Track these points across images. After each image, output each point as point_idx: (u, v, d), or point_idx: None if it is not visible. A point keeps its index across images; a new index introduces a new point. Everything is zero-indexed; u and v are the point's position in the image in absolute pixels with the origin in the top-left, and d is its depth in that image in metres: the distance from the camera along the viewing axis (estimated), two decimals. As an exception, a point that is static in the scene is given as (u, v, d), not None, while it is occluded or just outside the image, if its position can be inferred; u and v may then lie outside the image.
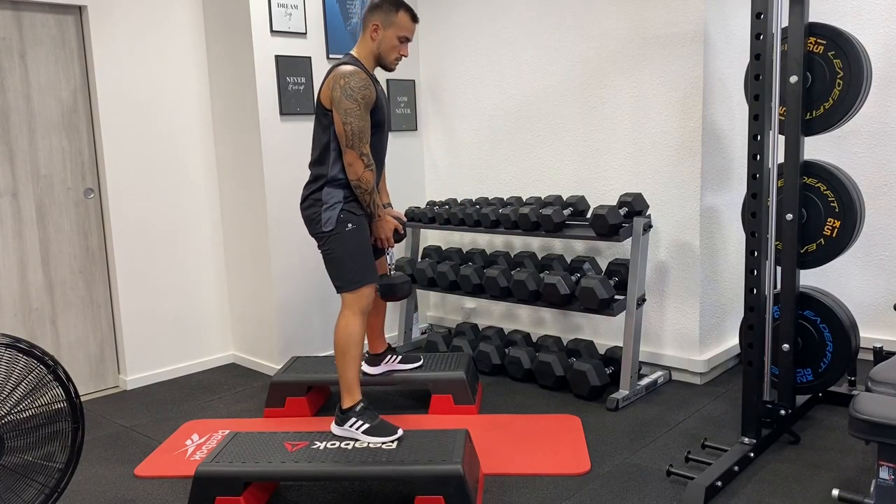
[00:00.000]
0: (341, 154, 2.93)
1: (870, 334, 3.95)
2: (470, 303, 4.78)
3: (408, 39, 3.04)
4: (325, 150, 2.97)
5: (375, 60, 3.03)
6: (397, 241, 3.19)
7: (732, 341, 4.00)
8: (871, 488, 2.22)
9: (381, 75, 4.57)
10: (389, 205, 3.35)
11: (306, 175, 3.08)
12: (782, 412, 3.00)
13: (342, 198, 2.96)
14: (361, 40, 3.02)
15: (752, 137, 2.86)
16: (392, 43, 2.99)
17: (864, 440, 2.18)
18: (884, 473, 2.15)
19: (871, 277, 4.03)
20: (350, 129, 2.85)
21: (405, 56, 3.07)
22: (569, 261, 4.00)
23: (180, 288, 4.34)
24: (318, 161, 2.99)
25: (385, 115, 3.05)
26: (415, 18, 3.04)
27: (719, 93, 3.72)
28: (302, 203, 3.04)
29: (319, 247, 3.03)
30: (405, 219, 3.29)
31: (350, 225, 2.96)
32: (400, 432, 2.80)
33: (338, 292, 3.01)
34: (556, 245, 4.31)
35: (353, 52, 3.02)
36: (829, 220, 3.05)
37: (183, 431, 3.49)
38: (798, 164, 3.02)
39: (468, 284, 4.10)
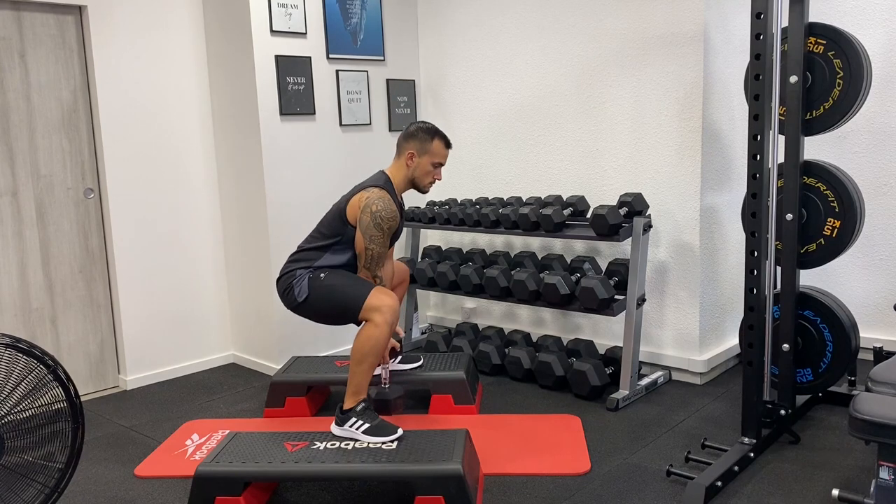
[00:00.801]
0: (336, 254, 3.06)
1: (870, 334, 3.95)
2: (470, 303, 4.79)
3: (441, 164, 3.17)
4: (327, 248, 3.08)
5: (409, 184, 3.17)
6: (392, 357, 3.33)
7: (732, 341, 4.00)
8: (871, 488, 2.22)
9: (380, 75, 4.59)
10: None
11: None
12: (782, 412, 3.00)
13: (312, 269, 3.06)
14: (396, 164, 3.15)
15: (752, 137, 2.86)
16: (426, 169, 3.13)
17: (864, 440, 2.18)
18: (884, 473, 2.15)
19: (871, 277, 4.03)
20: (371, 255, 3.00)
21: (439, 179, 3.21)
22: (569, 261, 4.00)
23: (180, 288, 4.34)
24: (316, 249, 3.09)
25: (398, 235, 3.22)
26: (448, 145, 3.17)
27: (719, 93, 3.72)
28: (278, 280, 3.14)
29: (308, 317, 3.09)
30: (402, 334, 3.38)
31: (322, 274, 3.03)
32: (400, 432, 2.80)
33: (358, 321, 2.98)
34: (556, 245, 4.31)
35: (388, 173, 3.14)
36: (829, 220, 3.05)
37: (183, 431, 3.49)
38: (798, 164, 3.02)
39: (468, 284, 4.10)
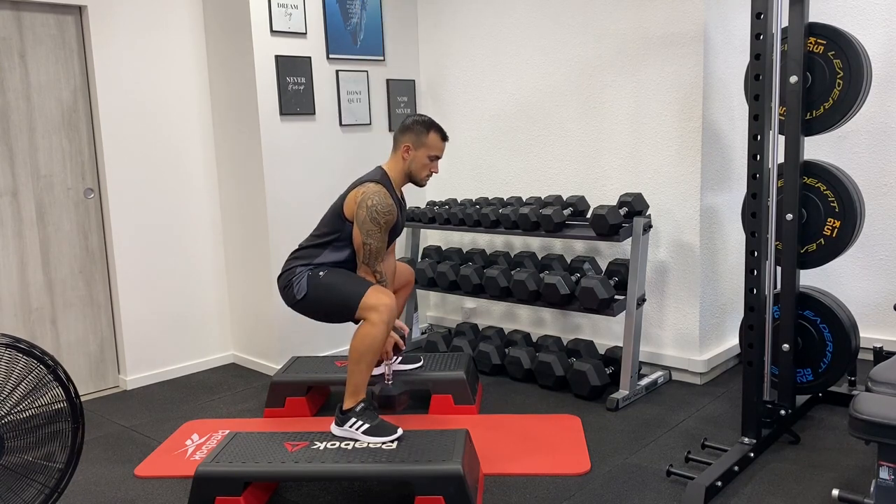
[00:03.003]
0: (335, 251, 3.07)
1: (870, 334, 3.95)
2: (470, 303, 4.79)
3: (438, 157, 3.15)
4: (326, 245, 3.08)
5: (406, 178, 3.16)
6: (395, 353, 3.29)
7: (732, 341, 4.00)
8: (871, 488, 2.22)
9: (380, 75, 4.59)
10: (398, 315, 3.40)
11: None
12: (782, 412, 3.00)
13: (312, 267, 3.06)
14: (393, 158, 3.15)
15: (752, 137, 2.86)
16: (423, 162, 3.12)
17: (864, 440, 2.18)
18: (884, 473, 2.15)
19: (871, 277, 4.03)
20: (369, 250, 3.00)
21: (435, 172, 3.19)
22: (569, 261, 4.00)
23: (180, 288, 4.34)
24: (316, 246, 3.10)
25: (398, 231, 3.20)
26: (445, 137, 3.15)
27: (719, 93, 3.72)
28: (279, 278, 3.14)
29: (307, 314, 3.09)
30: (406, 330, 3.34)
31: (321, 273, 3.03)
32: (400, 432, 2.80)
33: (356, 320, 2.97)
34: (556, 245, 4.31)
35: (385, 168, 3.13)
36: (829, 220, 3.05)
37: (183, 431, 3.49)
38: (798, 164, 3.02)
39: (468, 284, 4.10)
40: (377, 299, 2.90)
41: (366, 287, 2.94)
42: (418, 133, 3.09)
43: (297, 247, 3.19)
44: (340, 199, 3.10)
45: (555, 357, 3.78)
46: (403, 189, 3.27)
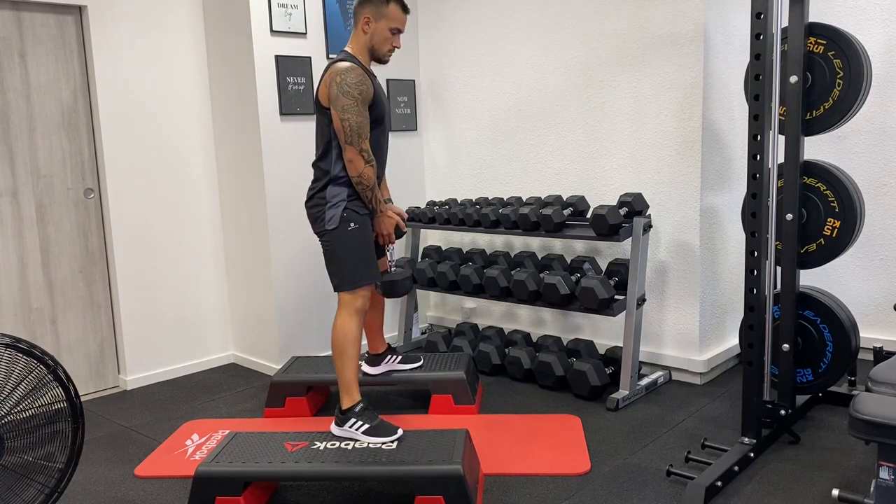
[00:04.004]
0: (340, 157, 2.93)
1: (870, 334, 3.95)
2: (470, 303, 4.79)
3: (399, 31, 3.03)
4: (328, 148, 2.96)
5: (369, 54, 3.02)
6: (398, 237, 3.17)
7: (732, 341, 4.00)
8: (871, 488, 2.22)
9: (381, 74, 4.59)
10: (390, 200, 3.34)
11: (306, 174, 3.09)
12: (782, 412, 3.00)
13: (346, 196, 2.95)
14: (354, 35, 3.02)
15: (752, 137, 2.86)
16: (384, 35, 2.99)
17: (864, 440, 2.18)
18: (884, 473, 2.15)
19: (871, 277, 4.03)
20: (348, 126, 2.85)
21: (398, 47, 3.06)
22: (569, 261, 4.00)
23: (180, 288, 4.34)
24: (320, 159, 3.00)
25: (385, 110, 3.04)
26: (405, 9, 3.03)
27: (719, 93, 3.72)
28: (307, 202, 3.04)
29: (322, 243, 3.04)
30: (406, 215, 3.30)
31: (353, 224, 2.95)
32: (400, 432, 2.80)
33: (335, 290, 3.00)
34: (556, 245, 4.31)
35: (348, 48, 3.02)
36: (829, 220, 3.05)
37: (183, 431, 3.49)
38: (798, 164, 3.02)
39: (468, 284, 4.10)
40: (356, 301, 2.96)
41: (362, 282, 2.96)
42: (377, 4, 2.96)
43: (312, 163, 3.07)
44: (315, 93, 2.99)
45: (555, 357, 3.78)
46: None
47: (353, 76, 2.86)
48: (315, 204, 3.00)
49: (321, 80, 2.95)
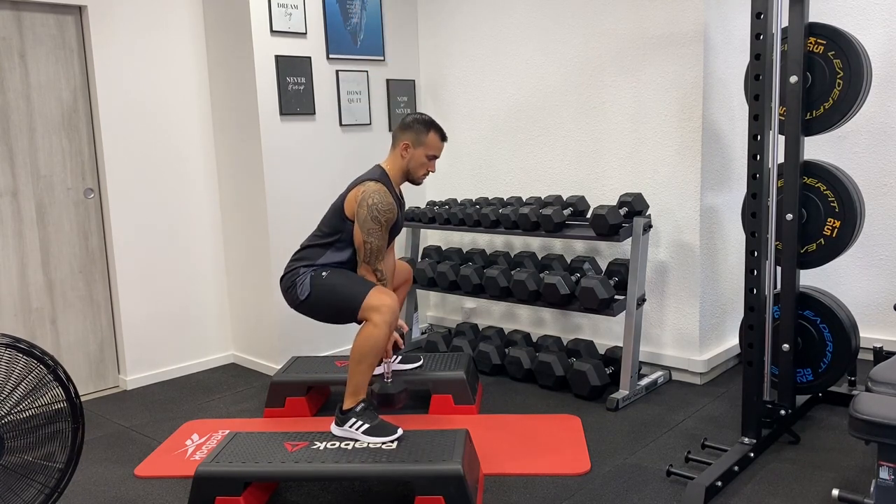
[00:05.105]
0: (338, 251, 3.07)
1: (870, 334, 3.95)
2: (470, 303, 4.79)
3: (436, 157, 3.17)
4: (328, 245, 3.09)
5: (404, 176, 3.17)
6: (395, 352, 3.28)
7: (732, 341, 4.00)
8: (871, 488, 2.22)
9: (380, 75, 4.59)
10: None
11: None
12: (782, 412, 3.00)
13: (315, 268, 3.07)
14: (392, 156, 3.16)
15: (752, 137, 2.86)
16: (421, 161, 3.13)
17: (864, 440, 2.18)
18: (884, 473, 2.15)
19: (871, 277, 4.03)
20: (370, 248, 3.00)
21: (432, 172, 3.20)
22: (569, 261, 4.00)
23: (180, 288, 4.34)
24: (318, 246, 3.10)
25: (398, 229, 3.21)
26: (444, 138, 3.17)
27: (719, 93, 3.72)
28: (281, 280, 3.15)
29: (310, 315, 3.10)
30: (406, 328, 3.36)
31: (324, 273, 3.04)
32: (400, 432, 2.80)
33: (359, 320, 2.98)
34: (556, 245, 4.31)
35: (384, 166, 3.14)
36: (829, 220, 3.05)
37: (183, 431, 3.49)
38: (798, 164, 3.02)
39: (468, 284, 4.10)
40: (379, 300, 2.90)
41: (368, 288, 2.94)
42: (418, 132, 3.10)
43: (299, 247, 3.19)
44: (341, 198, 3.11)
45: (555, 357, 3.78)
46: (402, 188, 3.27)
47: (385, 204, 2.99)
48: (287, 281, 3.11)
49: (350, 188, 3.08)
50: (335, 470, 2.59)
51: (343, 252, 3.09)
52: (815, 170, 3.06)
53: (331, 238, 3.08)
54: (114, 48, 4.00)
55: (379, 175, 3.09)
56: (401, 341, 3.27)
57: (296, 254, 3.16)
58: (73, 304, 4.04)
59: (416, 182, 3.21)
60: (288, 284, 3.10)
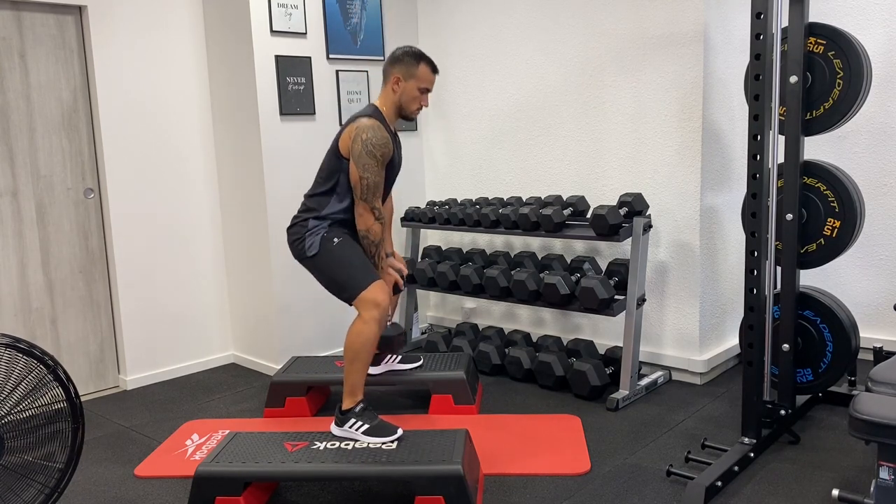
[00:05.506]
0: (341, 199, 3.02)
1: (870, 334, 3.95)
2: (470, 303, 4.79)
3: (428, 90, 3.11)
4: (331, 190, 3.04)
5: (397, 112, 3.11)
6: (395, 293, 3.22)
7: (732, 341, 4.00)
8: (871, 488, 2.22)
9: (381, 74, 4.58)
10: (392, 254, 3.37)
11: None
12: (782, 412, 3.00)
13: (327, 226, 3.02)
14: (383, 92, 3.10)
15: (752, 137, 2.86)
16: (413, 94, 3.07)
17: (864, 440, 2.18)
18: (884, 473, 2.15)
19: (871, 277, 4.03)
20: (366, 184, 2.93)
21: (425, 106, 3.15)
22: (569, 261, 4.00)
23: (180, 288, 4.34)
24: (318, 195, 3.06)
25: (396, 168, 3.14)
26: (435, 70, 3.11)
27: (719, 93, 3.72)
28: (288, 229, 3.11)
29: (311, 272, 3.07)
30: (406, 271, 3.31)
31: (335, 240, 3.00)
32: (399, 432, 2.80)
33: (350, 304, 2.99)
34: (556, 245, 4.31)
35: (377, 103, 3.10)
36: (829, 220, 3.05)
37: (183, 431, 3.49)
38: (798, 164, 3.02)
39: (468, 284, 4.10)
40: (376, 297, 2.90)
41: (370, 279, 2.94)
42: (408, 65, 3.04)
43: (303, 197, 3.13)
44: (336, 138, 3.05)
45: (555, 357, 3.78)
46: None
47: (379, 137, 2.93)
48: (295, 232, 3.06)
49: (344, 127, 3.02)
50: (335, 470, 2.59)
51: (344, 201, 3.03)
52: (815, 170, 3.06)
53: (330, 182, 3.02)
54: (114, 48, 4.00)
55: (372, 111, 3.03)
56: (401, 281, 3.18)
57: (301, 205, 3.11)
58: (73, 304, 4.04)
59: (410, 117, 3.13)
60: (296, 236, 3.05)
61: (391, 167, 3.08)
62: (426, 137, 4.91)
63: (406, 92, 3.05)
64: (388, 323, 3.29)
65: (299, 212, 3.10)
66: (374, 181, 2.94)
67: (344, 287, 2.97)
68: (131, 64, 4.07)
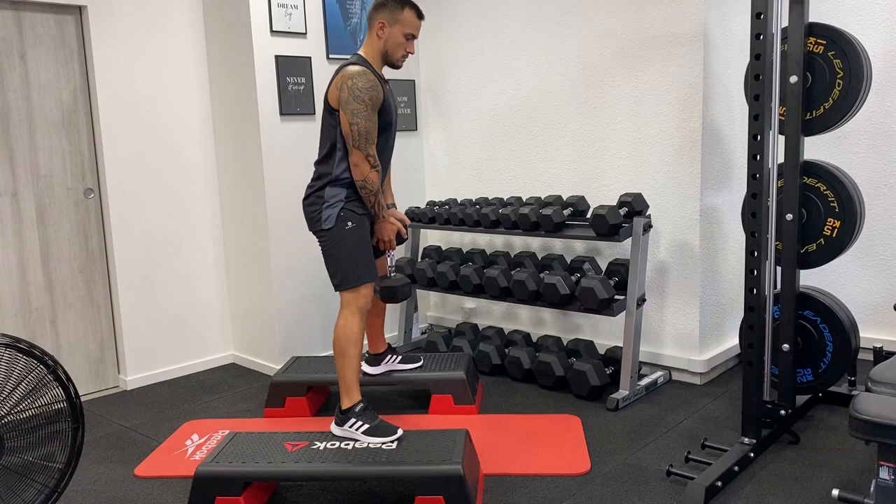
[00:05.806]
0: (347, 154, 2.94)
1: (870, 334, 3.95)
2: (470, 303, 4.79)
3: (413, 36, 3.04)
4: (332, 149, 2.97)
5: (383, 59, 3.03)
6: (399, 243, 3.18)
7: (732, 341, 3.99)
8: (871, 488, 2.22)
9: (381, 75, 4.58)
10: (393, 205, 3.35)
11: (306, 174, 3.09)
12: (782, 412, 3.00)
13: (344, 197, 2.96)
14: (368, 39, 3.03)
15: (752, 137, 2.86)
16: (398, 40, 3.00)
17: (864, 440, 2.18)
18: (884, 473, 2.15)
19: (871, 277, 4.03)
20: (357, 130, 2.86)
21: (411, 53, 3.07)
22: (569, 261, 4.00)
23: (180, 288, 4.34)
24: (323, 159, 3.00)
25: (393, 116, 3.06)
26: (420, 15, 3.05)
27: (719, 93, 3.72)
28: (304, 200, 3.05)
29: (319, 243, 3.04)
30: (408, 221, 3.29)
31: (350, 223, 2.96)
32: (400, 432, 2.80)
33: (336, 290, 3.00)
34: (556, 245, 4.31)
35: (361, 52, 3.03)
36: (829, 220, 3.05)
37: (183, 431, 3.49)
38: (798, 164, 3.02)
39: (468, 284, 4.10)
40: (358, 298, 2.94)
41: (364, 279, 2.95)
42: (392, 10, 2.97)
43: (314, 162, 3.08)
44: (325, 95, 3.00)
45: (555, 357, 3.78)
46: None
47: (365, 81, 2.87)
48: (312, 203, 3.00)
49: (332, 81, 2.95)
50: (335, 470, 2.60)
51: (347, 160, 2.97)
52: (815, 170, 3.06)
53: (330, 141, 2.97)
54: (114, 48, 4.00)
55: (357, 59, 2.98)
56: (404, 231, 3.15)
57: (314, 173, 3.05)
58: (73, 304, 4.04)
59: (396, 65, 3.06)
60: (313, 207, 2.98)
61: (386, 113, 2.98)
62: (426, 137, 4.91)
63: (391, 38, 2.99)
64: (392, 273, 3.29)
65: (312, 180, 3.03)
66: (366, 126, 2.86)
67: (337, 272, 2.97)
68: (131, 64, 4.07)
